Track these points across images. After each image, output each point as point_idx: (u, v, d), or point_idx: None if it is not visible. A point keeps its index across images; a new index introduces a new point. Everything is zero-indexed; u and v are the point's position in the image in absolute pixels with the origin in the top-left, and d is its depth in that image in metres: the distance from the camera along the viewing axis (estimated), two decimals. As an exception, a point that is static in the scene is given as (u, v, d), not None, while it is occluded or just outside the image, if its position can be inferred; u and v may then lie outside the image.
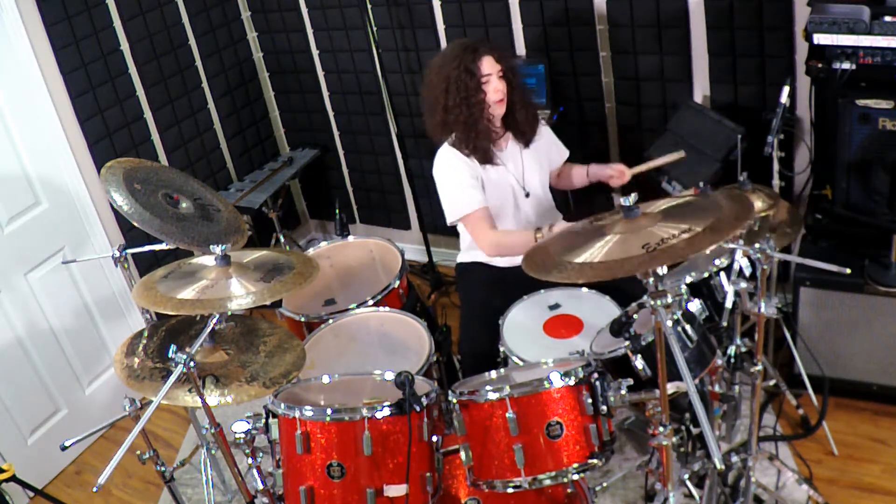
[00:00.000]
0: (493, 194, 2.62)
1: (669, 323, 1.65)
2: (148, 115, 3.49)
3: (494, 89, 2.48)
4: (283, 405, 1.80)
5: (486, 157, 2.56)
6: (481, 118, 2.49)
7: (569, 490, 2.03)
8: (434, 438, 1.82)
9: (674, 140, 2.88)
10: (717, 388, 2.37)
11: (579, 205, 3.18)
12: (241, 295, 1.87)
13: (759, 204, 2.37)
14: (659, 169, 2.70)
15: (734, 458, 2.36)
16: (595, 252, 1.66)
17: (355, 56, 3.73)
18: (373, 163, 4.05)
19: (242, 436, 1.85)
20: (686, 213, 1.72)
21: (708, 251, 2.24)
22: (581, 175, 2.82)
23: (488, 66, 2.46)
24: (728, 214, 1.62)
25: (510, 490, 1.78)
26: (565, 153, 2.85)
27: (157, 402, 1.71)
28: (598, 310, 2.42)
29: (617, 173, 2.69)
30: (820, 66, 2.30)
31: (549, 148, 2.77)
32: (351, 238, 3.05)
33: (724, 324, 2.25)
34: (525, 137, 2.65)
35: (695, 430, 2.26)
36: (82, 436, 2.13)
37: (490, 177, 2.60)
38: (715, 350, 2.12)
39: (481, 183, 2.58)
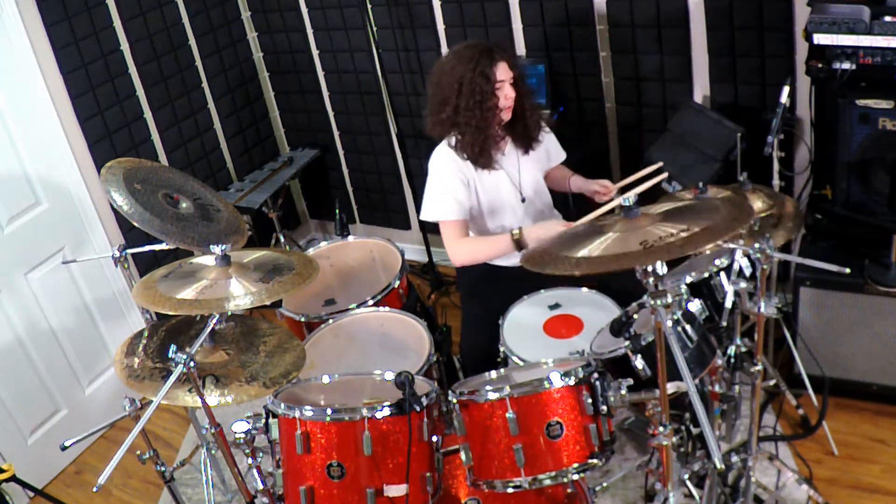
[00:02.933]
0: (488, 198, 2.62)
1: (669, 323, 1.65)
2: (148, 115, 3.49)
3: (506, 96, 2.47)
4: (283, 405, 1.80)
5: (487, 162, 2.55)
6: (492, 123, 2.49)
7: (569, 490, 2.03)
8: (434, 438, 1.82)
9: (674, 140, 2.88)
10: (717, 388, 2.37)
11: (579, 203, 3.18)
12: (240, 295, 1.87)
13: (759, 204, 2.37)
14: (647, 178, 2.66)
15: (734, 458, 2.36)
16: (593, 248, 1.66)
17: (355, 56, 3.73)
18: (373, 163, 4.05)
19: (242, 436, 1.85)
20: (685, 214, 1.72)
21: (707, 251, 2.25)
22: (562, 182, 2.82)
23: (503, 73, 2.45)
24: (727, 216, 1.62)
25: (510, 490, 1.78)
26: (561, 156, 2.84)
27: (157, 402, 1.72)
28: (599, 310, 2.42)
29: (602, 188, 2.68)
30: (820, 66, 2.30)
31: (547, 149, 2.77)
32: (351, 238, 3.05)
33: (724, 324, 2.25)
34: (525, 144, 2.64)
35: (695, 430, 2.26)
36: (82, 436, 2.14)
37: (485, 181, 2.59)
38: (715, 350, 2.12)
39: (474, 189, 2.58)
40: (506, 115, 2.51)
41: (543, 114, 2.71)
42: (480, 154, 2.52)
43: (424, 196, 2.61)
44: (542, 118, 2.67)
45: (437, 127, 2.57)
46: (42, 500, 2.84)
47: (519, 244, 2.40)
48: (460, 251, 2.57)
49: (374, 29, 3.42)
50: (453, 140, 2.56)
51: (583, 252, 1.67)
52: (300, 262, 2.09)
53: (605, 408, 1.79)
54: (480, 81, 2.43)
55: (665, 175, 2.60)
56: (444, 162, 2.57)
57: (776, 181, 2.46)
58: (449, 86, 2.49)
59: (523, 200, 2.68)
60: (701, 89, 2.98)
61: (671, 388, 1.73)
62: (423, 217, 2.61)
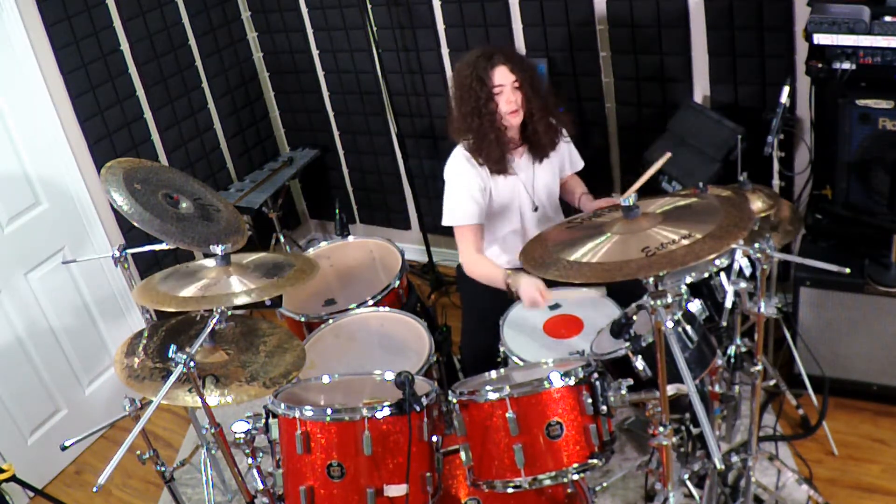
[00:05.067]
0: (500, 203, 2.60)
1: (670, 323, 1.65)
2: (148, 115, 3.49)
3: (507, 100, 2.43)
4: (283, 405, 1.80)
5: (498, 167, 2.52)
6: (492, 128, 2.45)
7: (569, 490, 2.03)
8: (434, 438, 1.82)
9: (674, 140, 2.88)
10: (717, 388, 2.37)
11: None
12: (241, 291, 1.87)
13: (759, 204, 2.37)
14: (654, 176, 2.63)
15: (734, 458, 2.36)
16: (593, 251, 1.66)
17: (355, 56, 3.73)
18: (373, 163, 4.05)
19: (242, 436, 1.85)
20: (686, 216, 1.71)
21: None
22: (572, 196, 2.79)
23: (501, 77, 2.42)
24: (728, 222, 1.62)
25: (510, 490, 1.78)
26: (578, 165, 2.78)
27: (157, 402, 1.72)
28: (599, 310, 2.42)
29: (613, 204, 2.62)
30: (820, 66, 2.30)
31: (562, 159, 2.72)
32: (351, 238, 3.05)
33: (724, 324, 2.25)
34: (540, 152, 2.59)
35: (695, 430, 2.26)
36: (82, 436, 2.14)
37: (499, 186, 2.57)
38: (715, 350, 2.12)
39: (489, 193, 2.56)
40: (512, 120, 2.47)
41: (564, 121, 2.64)
42: (493, 159, 2.50)
43: (445, 201, 2.58)
44: (560, 125, 2.61)
45: (455, 133, 2.57)
46: (42, 500, 2.84)
47: (508, 287, 2.38)
48: (473, 264, 2.56)
49: (374, 29, 3.42)
50: (469, 142, 2.55)
51: (581, 253, 1.66)
52: (300, 263, 2.09)
53: (605, 408, 1.79)
54: (477, 86, 2.42)
55: (669, 155, 2.53)
56: (462, 167, 2.55)
57: (776, 181, 2.46)
58: (454, 91, 2.51)
59: (536, 209, 2.66)
60: (701, 89, 2.98)
61: (671, 389, 1.73)
62: (444, 223, 2.59)
